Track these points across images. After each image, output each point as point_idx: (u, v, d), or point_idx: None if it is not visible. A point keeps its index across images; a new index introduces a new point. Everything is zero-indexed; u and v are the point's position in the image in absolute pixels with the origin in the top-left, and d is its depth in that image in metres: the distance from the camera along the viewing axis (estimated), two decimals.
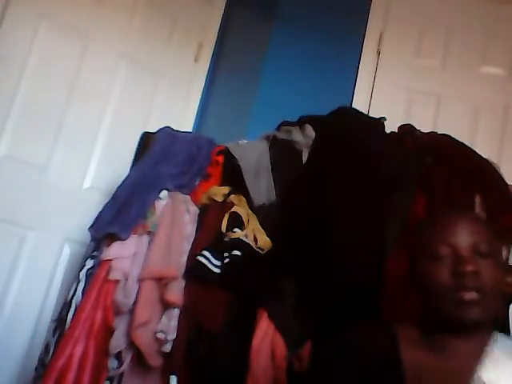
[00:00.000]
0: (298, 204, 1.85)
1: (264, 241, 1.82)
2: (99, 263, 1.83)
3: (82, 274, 1.87)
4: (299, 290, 1.67)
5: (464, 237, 1.07)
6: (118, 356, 1.73)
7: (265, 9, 2.87)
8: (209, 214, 1.90)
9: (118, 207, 1.88)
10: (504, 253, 1.60)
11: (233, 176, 1.96)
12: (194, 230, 1.88)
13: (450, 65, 2.66)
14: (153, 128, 2.17)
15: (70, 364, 1.68)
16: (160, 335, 1.69)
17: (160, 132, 2.08)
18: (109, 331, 1.73)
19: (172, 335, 1.70)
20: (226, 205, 1.88)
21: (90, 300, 1.76)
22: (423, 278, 1.08)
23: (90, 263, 1.88)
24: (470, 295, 1.02)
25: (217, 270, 1.74)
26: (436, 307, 1.06)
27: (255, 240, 1.81)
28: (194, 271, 1.76)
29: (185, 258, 1.80)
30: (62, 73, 2.49)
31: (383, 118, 2.05)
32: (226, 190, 1.94)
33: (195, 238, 1.85)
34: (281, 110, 2.37)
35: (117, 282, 1.77)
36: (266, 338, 1.60)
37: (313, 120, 2.05)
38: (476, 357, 1.04)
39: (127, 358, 1.72)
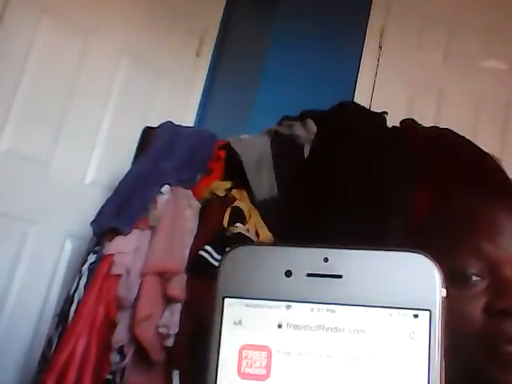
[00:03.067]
0: (299, 199, 1.85)
1: (266, 235, 1.82)
2: (101, 258, 1.83)
3: (84, 268, 1.88)
4: None
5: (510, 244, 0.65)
6: (121, 350, 1.73)
7: (266, 3, 2.87)
8: (211, 208, 1.90)
9: (120, 202, 1.89)
10: None
11: (234, 171, 1.96)
12: (196, 224, 1.88)
13: (451, 59, 2.65)
14: (154, 123, 2.17)
15: (72, 358, 1.69)
16: (162, 330, 1.70)
17: (162, 127, 2.08)
18: (111, 326, 1.74)
19: (174, 330, 1.70)
20: (227, 199, 1.88)
21: (92, 294, 1.76)
22: None
23: (92, 258, 1.89)
24: None
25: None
26: (459, 363, 0.57)
27: (257, 234, 1.81)
28: (196, 266, 1.76)
29: (187, 253, 1.80)
30: (64, 68, 2.48)
31: (385, 113, 2.04)
32: (227, 184, 1.94)
33: (197, 233, 1.86)
34: (282, 104, 2.37)
35: (119, 276, 1.77)
36: None
37: (314, 115, 2.05)
38: None
39: (129, 352, 1.73)
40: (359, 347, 0.31)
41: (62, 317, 1.85)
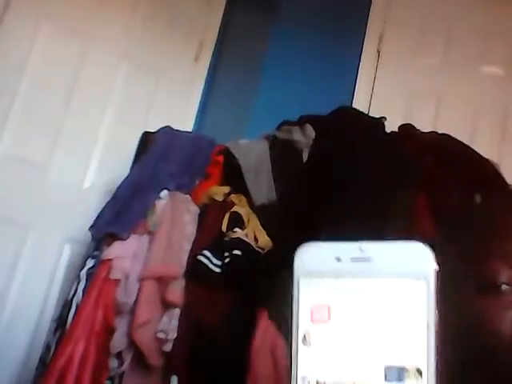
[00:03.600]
0: (298, 204, 1.85)
1: (264, 240, 1.82)
2: (100, 263, 1.83)
3: (83, 273, 1.87)
4: None
5: None
6: (119, 356, 1.73)
7: (265, 8, 2.87)
8: (209, 213, 1.90)
9: (119, 207, 1.89)
10: None
11: (233, 175, 1.96)
12: (195, 229, 1.88)
13: (450, 65, 2.66)
14: (153, 128, 2.17)
15: (70, 363, 1.69)
16: (161, 335, 1.70)
17: (160, 131, 2.09)
18: (109, 331, 1.73)
19: (173, 335, 1.70)
20: (226, 204, 1.88)
21: (90, 299, 1.76)
22: (467, 321, 0.63)
23: (90, 263, 1.89)
24: None
25: (217, 270, 1.74)
26: (486, 373, 0.59)
27: (256, 239, 1.81)
28: (195, 271, 1.76)
29: (185, 258, 1.80)
30: (63, 72, 2.49)
31: (383, 118, 2.05)
32: (226, 189, 1.94)
33: (195, 238, 1.86)
34: (281, 109, 2.37)
35: (117, 281, 1.77)
36: (266, 338, 1.61)
37: (313, 120, 2.05)
38: None
39: (128, 357, 1.72)
40: (383, 301, 0.45)
41: (60, 322, 1.85)
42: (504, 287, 0.61)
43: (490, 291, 0.62)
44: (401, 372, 0.44)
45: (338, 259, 0.47)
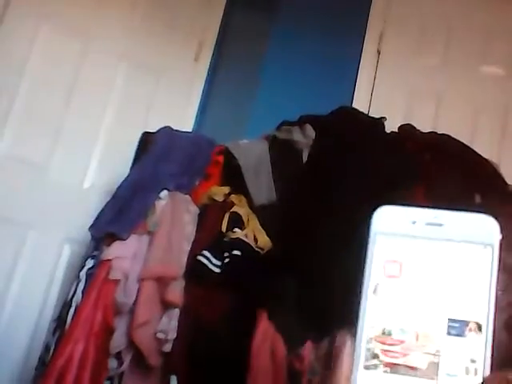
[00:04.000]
0: (298, 204, 1.85)
1: (264, 241, 1.82)
2: (99, 263, 1.83)
3: (83, 273, 1.87)
4: (299, 289, 1.67)
5: None
6: (118, 356, 1.73)
7: (265, 8, 2.87)
8: (209, 213, 1.90)
9: (119, 207, 1.89)
10: None
11: (233, 176, 1.96)
12: (194, 229, 1.88)
13: (450, 64, 2.66)
14: (153, 128, 2.17)
15: (70, 364, 1.69)
16: (160, 335, 1.70)
17: (160, 132, 2.08)
18: (109, 331, 1.73)
19: (172, 335, 1.70)
20: (226, 205, 1.88)
21: (90, 300, 1.76)
22: None
23: (90, 263, 1.89)
24: None
25: (217, 270, 1.74)
26: None
27: (255, 240, 1.81)
28: (195, 271, 1.76)
29: (185, 258, 1.80)
30: (63, 72, 2.49)
31: (383, 118, 2.05)
32: (226, 189, 1.94)
33: (195, 238, 1.86)
34: (281, 109, 2.37)
35: (117, 281, 1.77)
36: (266, 338, 1.61)
37: (313, 120, 2.05)
38: None
39: (127, 357, 1.72)
40: (451, 262, 0.50)
41: (59, 322, 1.85)
42: (498, 293, 0.61)
43: None
44: (462, 325, 0.47)
45: (414, 222, 0.52)
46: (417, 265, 0.50)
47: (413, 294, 0.50)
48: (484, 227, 0.50)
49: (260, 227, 1.84)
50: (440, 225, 0.51)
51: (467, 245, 0.49)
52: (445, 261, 0.50)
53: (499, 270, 0.47)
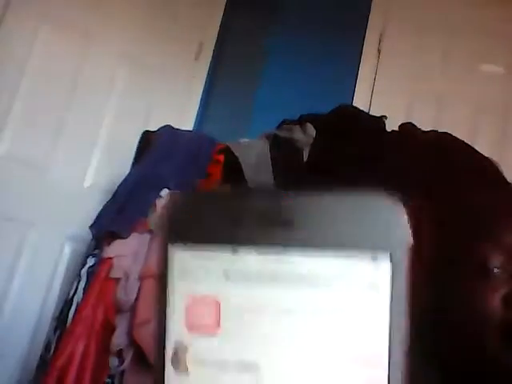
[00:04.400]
0: None
1: None
2: (100, 261, 1.83)
3: (83, 272, 1.87)
4: None
5: None
6: (119, 354, 1.73)
7: (265, 7, 2.87)
8: None
9: (119, 206, 1.89)
10: None
11: (233, 174, 1.96)
12: None
13: (450, 63, 2.66)
14: (153, 127, 2.17)
15: (71, 362, 1.69)
16: None
17: (161, 131, 2.09)
18: (110, 329, 1.73)
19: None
20: None
21: (91, 298, 1.76)
22: (458, 301, 0.67)
23: (90, 261, 1.89)
24: None
25: None
26: (472, 345, 0.66)
27: None
28: None
29: None
30: (63, 71, 2.49)
31: (384, 117, 2.05)
32: (226, 188, 1.94)
33: None
34: (281, 108, 2.37)
35: (118, 280, 1.77)
36: None
37: (313, 118, 2.05)
38: None
39: (128, 356, 1.72)
40: (314, 299, 0.28)
41: (60, 320, 1.85)
42: (496, 270, 0.65)
43: (481, 274, 0.66)
44: None
45: (237, 220, 0.30)
46: (251, 306, 0.29)
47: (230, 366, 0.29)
48: (376, 221, 0.28)
49: None
50: (290, 223, 0.29)
51: (343, 255, 0.28)
52: (302, 294, 0.29)
53: (408, 301, 0.28)
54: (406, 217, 0.28)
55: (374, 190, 0.29)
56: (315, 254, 0.28)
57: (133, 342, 1.71)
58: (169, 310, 0.30)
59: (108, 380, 1.72)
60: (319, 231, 0.29)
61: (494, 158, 1.93)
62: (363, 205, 0.29)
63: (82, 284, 1.84)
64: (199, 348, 0.29)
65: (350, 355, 0.28)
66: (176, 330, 0.30)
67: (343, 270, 0.28)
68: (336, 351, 0.28)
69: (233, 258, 0.29)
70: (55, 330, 1.86)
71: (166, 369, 0.30)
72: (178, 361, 0.30)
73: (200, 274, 0.30)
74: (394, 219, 0.28)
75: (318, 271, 0.28)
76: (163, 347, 0.30)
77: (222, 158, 2.04)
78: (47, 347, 1.86)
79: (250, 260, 0.29)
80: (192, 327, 0.30)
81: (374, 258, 0.28)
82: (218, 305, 0.29)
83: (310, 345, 0.28)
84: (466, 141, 1.92)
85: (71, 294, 1.85)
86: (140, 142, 2.16)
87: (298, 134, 2.00)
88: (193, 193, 0.34)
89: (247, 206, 0.30)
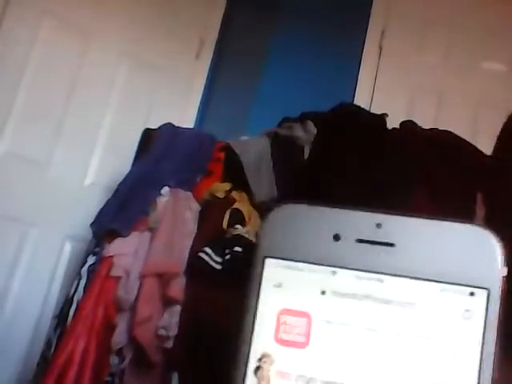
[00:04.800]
0: (299, 200, 1.84)
1: None
2: (101, 260, 1.83)
3: (84, 270, 1.87)
4: None
5: None
6: (120, 352, 1.73)
7: (266, 5, 2.87)
8: (210, 210, 1.90)
9: (120, 204, 1.88)
10: None
11: (234, 172, 1.96)
12: (196, 226, 1.88)
13: (451, 61, 2.65)
14: (154, 124, 2.17)
15: (71, 360, 1.69)
16: (161, 332, 1.69)
17: (161, 128, 2.08)
18: (110, 328, 1.73)
19: (173, 332, 1.70)
20: (227, 201, 1.88)
21: (91, 296, 1.76)
22: None
23: (91, 260, 1.89)
24: None
25: (218, 267, 1.74)
26: None
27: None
28: (196, 268, 1.76)
29: (186, 255, 1.80)
30: (63, 70, 2.49)
31: (385, 115, 2.04)
32: (227, 186, 1.94)
33: (196, 235, 1.85)
34: (282, 106, 2.37)
35: (118, 278, 1.77)
36: None
37: (314, 116, 2.05)
38: None
39: (129, 354, 1.72)
40: (406, 322, 0.29)
41: (61, 318, 1.85)
42: None
43: None
44: None
45: (337, 237, 0.31)
46: (344, 325, 0.30)
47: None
48: (474, 253, 0.29)
49: None
50: (389, 245, 0.30)
51: (439, 286, 0.29)
52: (396, 318, 0.29)
53: (499, 333, 0.28)
54: (501, 250, 0.29)
55: (472, 221, 0.30)
56: (413, 282, 0.29)
57: (133, 341, 1.71)
58: (258, 322, 0.31)
59: (108, 378, 1.72)
60: (419, 258, 0.29)
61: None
62: (462, 234, 0.30)
63: (83, 282, 1.84)
64: (286, 361, 0.30)
65: (432, 381, 0.29)
66: (264, 341, 0.30)
67: (439, 300, 0.29)
68: (420, 376, 0.29)
69: (331, 279, 0.30)
70: (56, 328, 1.86)
71: (247, 380, 0.30)
72: (261, 373, 0.30)
73: (295, 290, 0.31)
74: (492, 253, 0.29)
75: (414, 298, 0.29)
76: (247, 358, 0.30)
77: (222, 155, 2.03)
78: (48, 345, 1.86)
79: (348, 282, 0.30)
80: (281, 340, 0.30)
81: (472, 294, 0.29)
82: (310, 320, 0.30)
83: (395, 366, 0.29)
84: (466, 138, 1.92)
85: (72, 293, 1.85)
86: (141, 140, 2.16)
87: (298, 132, 2.00)
88: (293, 205, 0.34)
89: (348, 223, 0.31)
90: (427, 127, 2.00)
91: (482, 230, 0.29)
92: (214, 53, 2.93)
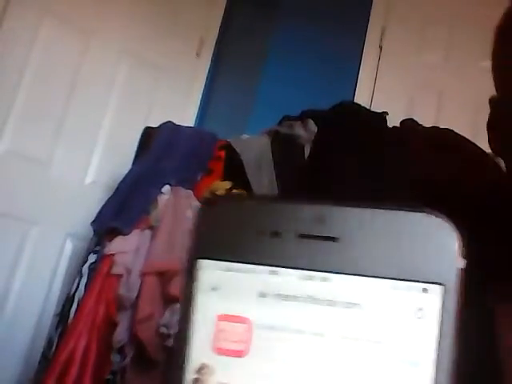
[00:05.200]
0: (299, 199, 1.84)
1: None
2: (102, 258, 1.83)
3: (85, 268, 1.88)
4: None
5: None
6: (121, 350, 1.73)
7: (266, 3, 2.87)
8: None
9: (121, 202, 1.89)
10: None
11: (235, 171, 1.96)
12: None
13: (452, 60, 2.65)
14: (155, 123, 2.17)
15: (72, 358, 1.69)
16: (163, 330, 1.70)
17: (162, 127, 2.08)
18: (111, 325, 1.74)
19: (175, 330, 1.70)
20: None
21: (92, 295, 1.76)
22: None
23: (92, 258, 1.89)
24: None
25: None
26: None
27: None
28: None
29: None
30: (64, 68, 2.49)
31: (385, 113, 2.04)
32: (228, 184, 1.94)
33: None
34: (283, 104, 2.37)
35: (119, 276, 1.78)
36: None
37: (315, 115, 2.05)
38: None
39: (130, 352, 1.73)
40: (355, 325, 0.27)
41: (62, 317, 1.85)
42: None
43: None
44: None
45: (276, 234, 0.28)
46: (287, 330, 0.27)
47: None
48: (427, 245, 0.26)
49: None
50: (333, 239, 0.27)
51: (390, 283, 0.26)
52: (344, 320, 0.27)
53: (458, 333, 0.26)
54: (458, 240, 0.26)
55: (424, 208, 0.27)
56: (361, 280, 0.27)
57: (134, 339, 1.71)
58: (195, 329, 0.28)
59: (110, 376, 1.72)
60: (367, 253, 0.27)
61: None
62: (414, 224, 0.26)
63: (84, 280, 1.85)
64: (226, 372, 0.28)
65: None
66: (202, 351, 0.28)
67: (390, 299, 0.26)
68: (370, 381, 0.26)
69: (271, 280, 0.27)
70: (57, 326, 1.86)
71: None
72: (199, 381, 0.28)
73: (233, 293, 0.28)
74: (447, 243, 0.26)
75: (363, 297, 0.27)
76: (184, 369, 0.28)
77: (223, 153, 2.03)
78: (49, 343, 1.86)
79: (290, 282, 0.27)
80: (220, 349, 0.28)
81: (425, 290, 0.26)
82: (249, 326, 0.28)
83: (343, 373, 0.26)
84: (467, 136, 1.92)
85: (73, 291, 1.86)
86: (141, 139, 2.16)
87: (299, 131, 2.00)
88: (227, 201, 0.30)
89: (288, 217, 0.28)
90: (428, 126, 2.00)
91: (436, 219, 0.26)
92: (214, 52, 2.93)
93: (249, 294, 0.28)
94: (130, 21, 2.68)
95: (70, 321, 1.78)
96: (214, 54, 2.92)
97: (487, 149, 1.90)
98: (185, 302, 0.28)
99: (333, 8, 2.75)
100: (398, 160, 1.83)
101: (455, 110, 2.55)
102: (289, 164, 1.97)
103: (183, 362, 0.28)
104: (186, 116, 2.79)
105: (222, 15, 2.95)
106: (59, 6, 2.46)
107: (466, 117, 2.52)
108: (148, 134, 2.13)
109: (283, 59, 2.73)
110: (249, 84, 2.79)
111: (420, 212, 0.27)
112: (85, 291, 1.81)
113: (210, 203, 0.30)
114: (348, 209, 0.28)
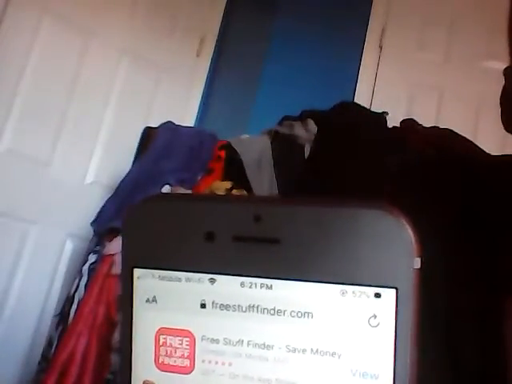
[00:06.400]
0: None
1: None
2: (102, 258, 1.83)
3: (85, 268, 1.88)
4: None
5: None
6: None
7: (267, 4, 2.87)
8: None
9: (121, 202, 1.89)
10: None
11: (235, 171, 1.96)
12: None
13: (452, 59, 2.65)
14: (155, 123, 2.17)
15: (72, 358, 1.69)
16: None
17: (162, 127, 2.08)
18: (111, 325, 1.74)
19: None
20: None
21: (92, 295, 1.76)
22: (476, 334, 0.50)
23: (92, 258, 1.89)
24: None
25: None
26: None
27: None
28: None
29: None
30: (64, 68, 2.49)
31: (385, 113, 2.04)
32: (228, 184, 1.94)
33: None
34: (282, 104, 2.37)
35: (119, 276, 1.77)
36: None
37: (315, 115, 2.05)
38: None
39: None
40: (304, 336, 0.24)
41: (62, 317, 1.85)
42: None
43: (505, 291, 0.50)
44: None
45: (210, 236, 0.25)
46: (231, 343, 0.25)
47: None
48: (378, 245, 0.24)
49: None
50: (273, 241, 0.25)
51: (338, 288, 0.24)
52: (291, 331, 0.25)
53: (415, 339, 0.24)
54: (413, 238, 0.24)
55: (374, 201, 0.24)
56: (308, 285, 0.24)
57: None
58: (136, 344, 0.26)
59: (110, 376, 1.72)
60: (310, 255, 0.24)
61: (496, 153, 1.93)
62: (365, 222, 0.24)
63: (84, 281, 1.85)
64: None
65: None
66: (144, 368, 0.26)
67: (340, 306, 0.24)
68: None
69: (210, 288, 0.25)
70: (57, 326, 1.86)
71: None
72: None
73: (172, 304, 0.26)
74: (401, 243, 0.23)
75: (311, 305, 0.24)
76: None
77: (223, 153, 2.03)
78: (49, 343, 1.86)
79: (230, 290, 0.25)
80: (163, 365, 0.26)
81: (378, 295, 0.24)
82: (192, 339, 0.25)
83: None
84: (467, 136, 1.92)
85: (73, 291, 1.85)
86: (141, 138, 2.16)
87: (299, 131, 2.00)
88: (155, 200, 0.26)
89: (222, 218, 0.25)
90: (428, 125, 2.00)
91: (389, 215, 0.24)
92: (214, 51, 2.93)
93: (189, 304, 0.26)
94: (130, 20, 2.68)
95: (70, 321, 1.78)
96: (214, 54, 2.92)
97: (487, 149, 1.89)
98: (124, 315, 0.26)
99: (333, 8, 2.75)
100: (398, 159, 1.83)
101: (455, 109, 2.55)
102: (289, 164, 1.97)
103: (127, 379, 0.26)
104: (186, 116, 2.79)
105: (222, 15, 2.95)
106: (59, 6, 2.46)
107: (466, 117, 2.52)
108: (148, 134, 2.13)
109: (283, 59, 2.73)
110: (249, 84, 2.79)
111: (372, 209, 0.24)
112: (85, 291, 1.81)
113: (141, 205, 0.27)
114: (287, 206, 0.25)
